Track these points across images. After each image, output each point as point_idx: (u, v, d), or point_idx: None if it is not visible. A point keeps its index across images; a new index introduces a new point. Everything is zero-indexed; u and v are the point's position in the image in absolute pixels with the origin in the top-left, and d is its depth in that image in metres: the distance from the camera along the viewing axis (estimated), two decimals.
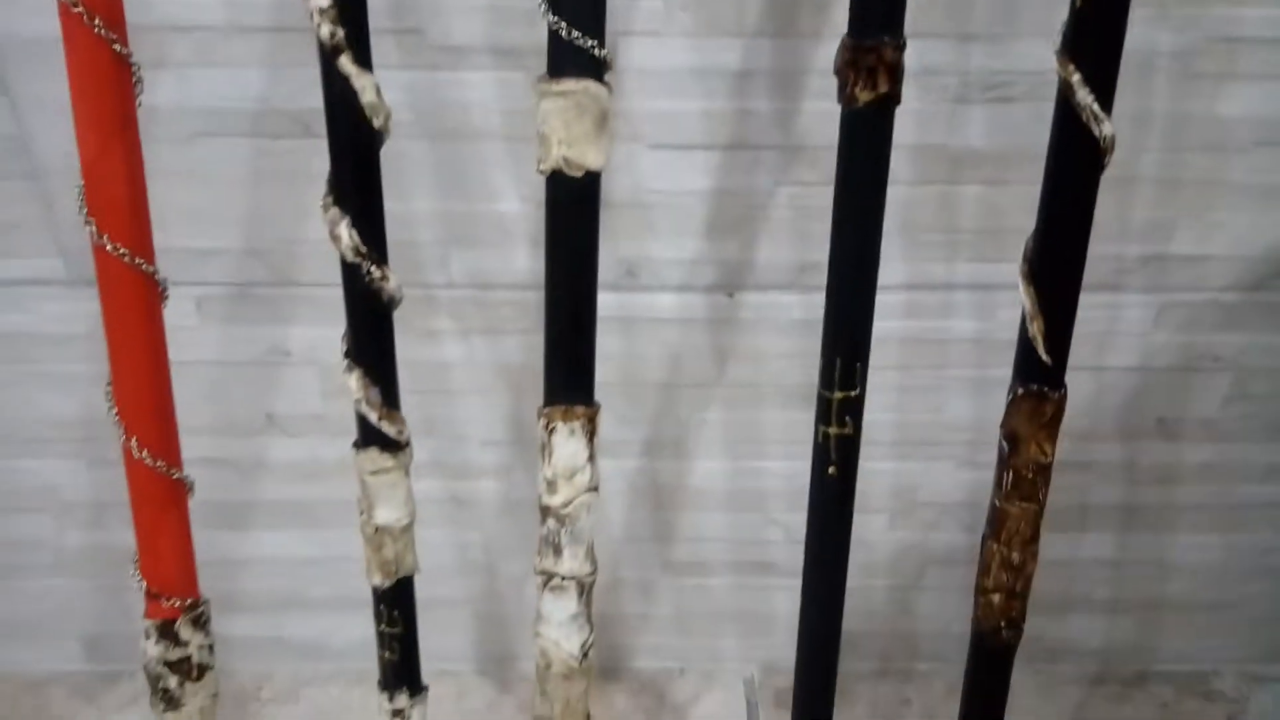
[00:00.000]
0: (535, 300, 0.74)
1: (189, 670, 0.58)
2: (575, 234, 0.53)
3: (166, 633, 0.57)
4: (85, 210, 0.51)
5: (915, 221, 0.71)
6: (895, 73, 0.51)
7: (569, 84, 0.50)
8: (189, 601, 0.58)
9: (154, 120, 0.65)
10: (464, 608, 0.89)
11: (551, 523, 0.57)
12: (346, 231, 0.53)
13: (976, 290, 0.74)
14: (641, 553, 0.87)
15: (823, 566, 0.64)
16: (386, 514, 0.59)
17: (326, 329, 0.74)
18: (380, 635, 0.62)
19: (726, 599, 0.89)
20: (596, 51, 0.50)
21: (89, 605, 0.88)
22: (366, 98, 0.50)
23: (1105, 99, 0.51)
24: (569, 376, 0.56)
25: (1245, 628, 0.91)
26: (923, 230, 0.72)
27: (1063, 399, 0.58)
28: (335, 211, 0.53)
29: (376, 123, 0.51)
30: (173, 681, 0.58)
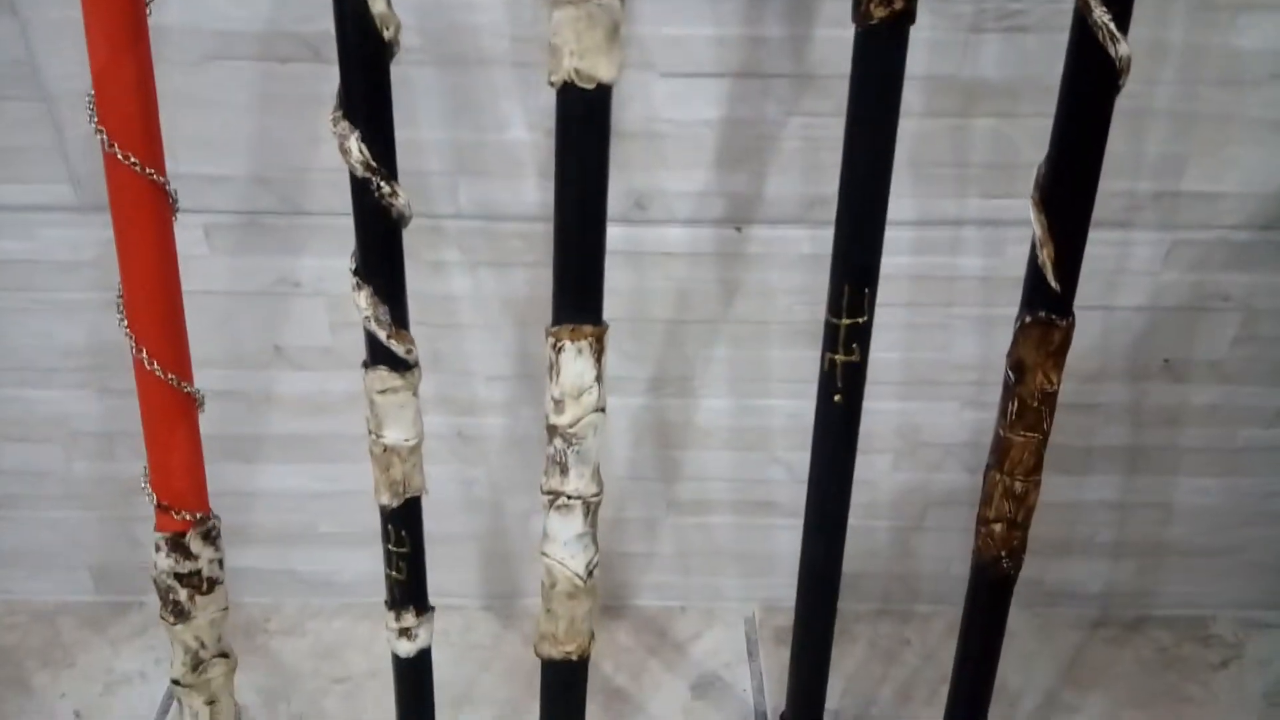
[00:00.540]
0: (544, 232, 0.73)
1: (199, 584, 0.59)
2: (586, 150, 0.52)
3: (177, 546, 0.58)
4: (95, 119, 0.51)
5: (925, 156, 0.71)
6: None
7: None
8: (199, 515, 0.58)
9: (163, 41, 0.65)
10: (469, 543, 0.90)
11: (558, 442, 0.57)
12: (356, 145, 0.52)
13: (986, 226, 0.74)
14: (646, 491, 0.87)
15: (825, 499, 0.64)
16: (395, 434, 0.59)
17: (336, 259, 0.74)
18: (388, 554, 0.62)
19: (729, 538, 0.90)
20: None
21: (98, 535, 0.89)
22: (377, 8, 0.50)
23: (1122, 18, 0.51)
24: (578, 296, 0.56)
25: (1245, 573, 0.91)
26: (933, 165, 0.71)
27: (1070, 327, 0.58)
28: (345, 125, 0.53)
29: (387, 34, 0.51)
30: (183, 594, 0.58)
